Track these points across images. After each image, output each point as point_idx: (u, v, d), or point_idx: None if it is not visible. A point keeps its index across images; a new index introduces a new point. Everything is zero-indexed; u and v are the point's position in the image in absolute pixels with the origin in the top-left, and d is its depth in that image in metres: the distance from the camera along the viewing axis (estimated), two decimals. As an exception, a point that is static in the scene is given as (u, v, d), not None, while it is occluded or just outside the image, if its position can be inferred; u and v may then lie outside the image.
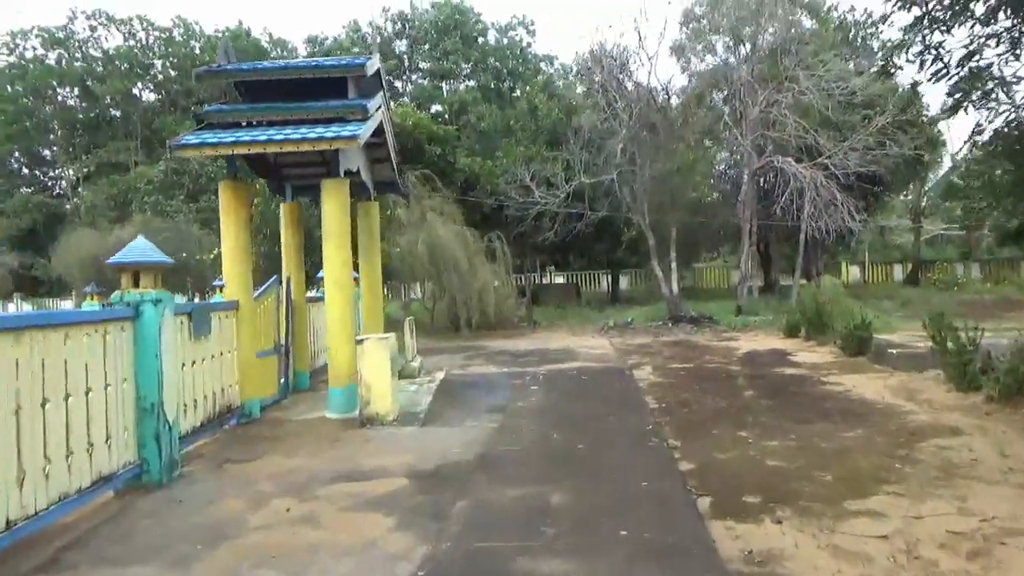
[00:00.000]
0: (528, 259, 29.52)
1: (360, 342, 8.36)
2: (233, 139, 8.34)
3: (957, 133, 71.81)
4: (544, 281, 34.30)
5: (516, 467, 6.48)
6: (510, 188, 23.68)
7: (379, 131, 10.68)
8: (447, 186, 21.79)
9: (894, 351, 13.25)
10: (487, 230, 21.82)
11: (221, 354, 8.29)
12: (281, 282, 10.47)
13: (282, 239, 11.76)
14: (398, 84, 44.62)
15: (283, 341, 10.39)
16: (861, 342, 13.08)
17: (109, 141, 47.05)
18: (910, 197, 36.86)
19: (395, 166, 11.79)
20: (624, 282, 35.16)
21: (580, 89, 27.03)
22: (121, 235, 24.85)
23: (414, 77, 44.85)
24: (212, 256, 19.03)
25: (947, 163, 36.81)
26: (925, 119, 25.15)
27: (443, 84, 43.85)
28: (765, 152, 21.80)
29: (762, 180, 24.42)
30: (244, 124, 9.05)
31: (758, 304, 22.82)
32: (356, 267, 11.71)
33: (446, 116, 36.71)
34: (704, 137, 22.46)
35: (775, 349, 14.93)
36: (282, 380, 10.42)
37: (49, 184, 52.37)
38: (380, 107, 10.01)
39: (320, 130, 8.48)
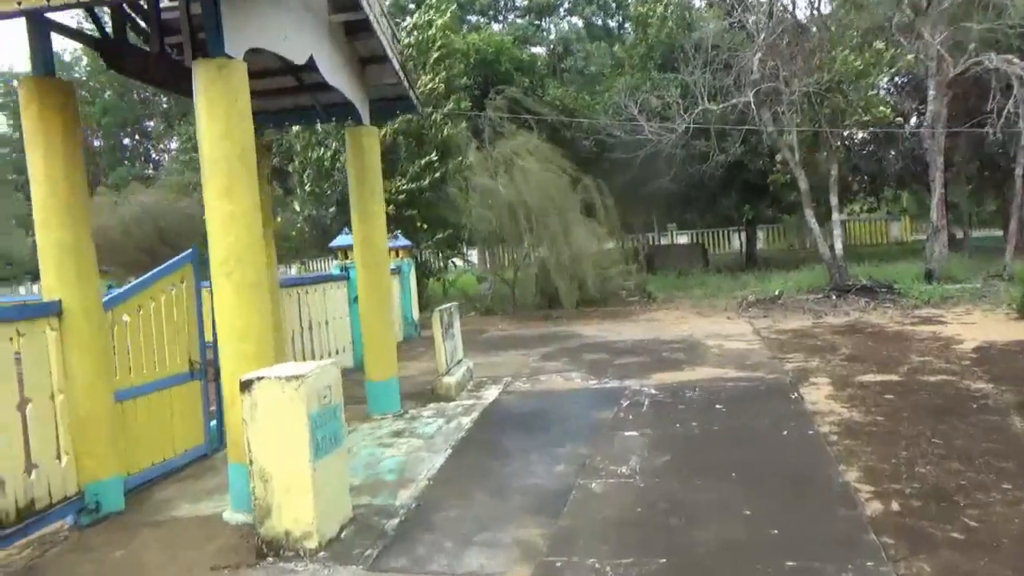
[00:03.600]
0: (640, 215, 24.39)
1: (247, 385, 4.03)
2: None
3: None
4: (661, 242, 29.02)
5: None
6: (614, 125, 18.71)
7: (352, 3, 6.25)
8: (535, 125, 17.24)
9: None
10: (585, 178, 17.04)
11: (-8, 411, 4.24)
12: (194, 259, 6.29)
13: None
14: (495, 27, 39.97)
15: (207, 357, 6.26)
16: None
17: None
18: None
19: (400, 68, 7.31)
20: (760, 240, 29.24)
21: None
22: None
23: (511, 17, 39.98)
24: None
25: None
26: None
27: (542, 21, 38.77)
28: (966, 54, 15.63)
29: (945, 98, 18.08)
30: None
31: (951, 266, 16.85)
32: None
33: (549, 60, 31.72)
34: (874, 39, 16.50)
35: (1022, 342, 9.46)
36: (212, 423, 6.34)
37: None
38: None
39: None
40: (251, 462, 4.04)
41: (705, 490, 4.76)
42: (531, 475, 5.31)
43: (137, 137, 52.29)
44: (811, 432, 5.92)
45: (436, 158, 15.07)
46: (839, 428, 6.00)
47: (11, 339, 4.42)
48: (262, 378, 4.02)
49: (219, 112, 4.49)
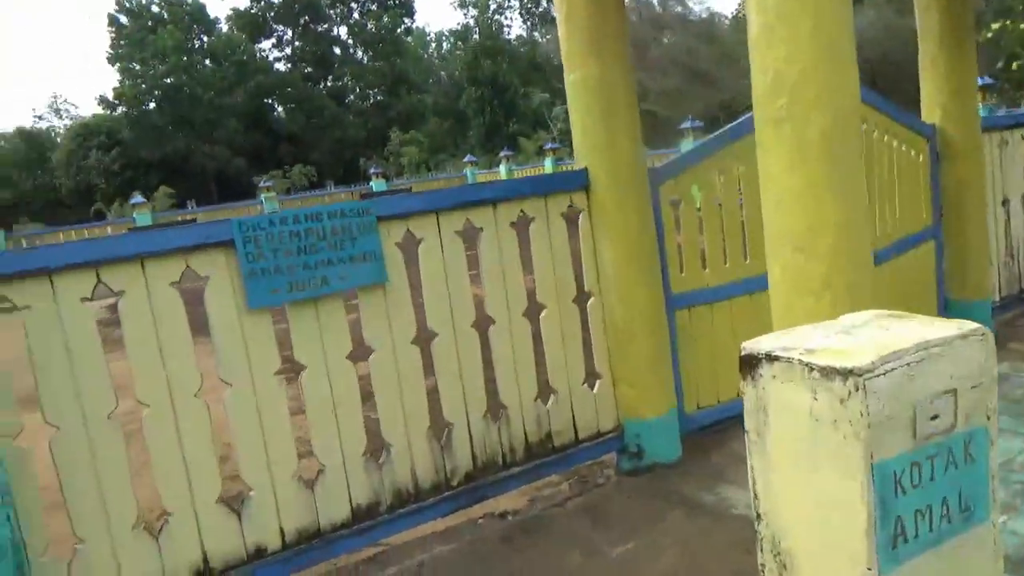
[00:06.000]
0: None
1: (750, 364, 1.90)
2: None
3: None
4: None
5: None
6: None
7: None
8: None
9: None
10: None
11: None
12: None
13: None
14: None
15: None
16: None
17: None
18: None
19: None
20: None
21: None
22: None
23: None
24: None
25: None
26: None
27: None
28: None
29: None
30: None
31: None
32: None
33: None
34: None
35: None
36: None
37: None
38: None
39: None
40: (758, 515, 1.97)
41: None
42: None
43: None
44: None
45: None
46: None
47: (511, 223, 3.29)
48: (776, 357, 1.82)
49: None
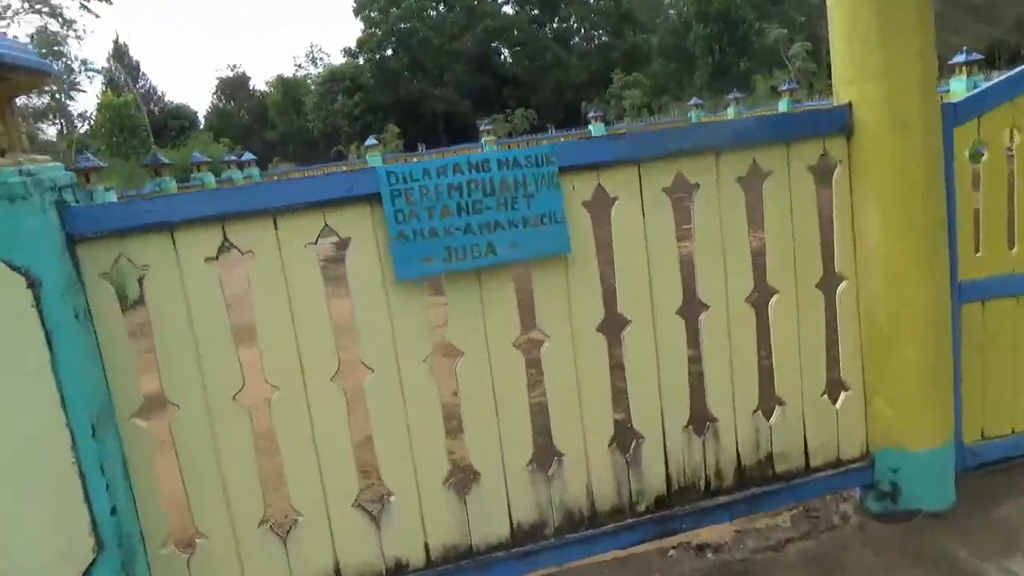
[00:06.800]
0: None
1: None
2: None
3: None
4: None
5: None
6: None
7: None
8: None
9: None
10: None
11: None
12: None
13: None
14: None
15: None
16: None
17: None
18: None
19: None
20: None
21: None
22: None
23: None
24: None
25: None
26: None
27: None
28: None
29: None
30: None
31: None
32: None
33: None
34: None
35: None
36: None
37: None
38: None
39: None
40: None
41: None
42: None
43: None
44: None
45: None
46: None
47: (738, 178, 2.47)
48: None
49: None
